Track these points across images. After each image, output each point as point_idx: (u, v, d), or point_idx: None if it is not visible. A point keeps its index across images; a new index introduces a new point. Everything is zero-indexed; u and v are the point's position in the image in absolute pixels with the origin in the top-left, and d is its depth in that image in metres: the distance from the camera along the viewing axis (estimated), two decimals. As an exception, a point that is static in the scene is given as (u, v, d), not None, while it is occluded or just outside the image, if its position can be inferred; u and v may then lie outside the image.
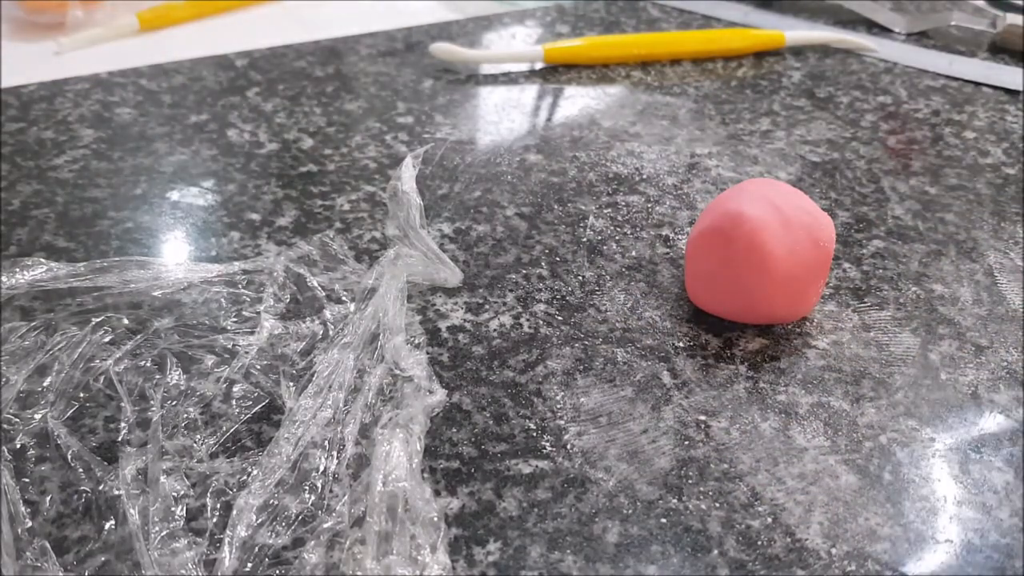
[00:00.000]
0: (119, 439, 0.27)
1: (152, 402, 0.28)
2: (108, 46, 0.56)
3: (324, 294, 0.34)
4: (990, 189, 0.43)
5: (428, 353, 0.31)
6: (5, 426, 0.27)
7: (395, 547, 0.24)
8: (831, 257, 0.32)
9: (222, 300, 0.33)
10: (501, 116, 0.49)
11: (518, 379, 0.31)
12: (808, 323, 0.34)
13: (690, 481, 0.27)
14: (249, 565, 0.24)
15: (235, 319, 0.32)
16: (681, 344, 0.32)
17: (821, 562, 0.25)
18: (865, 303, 0.35)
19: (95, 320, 0.31)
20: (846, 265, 0.37)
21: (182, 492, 0.26)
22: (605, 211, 0.40)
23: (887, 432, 0.29)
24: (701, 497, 0.27)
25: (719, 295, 0.32)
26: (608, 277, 0.36)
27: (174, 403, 0.29)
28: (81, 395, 0.29)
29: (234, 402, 0.29)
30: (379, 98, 0.50)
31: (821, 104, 0.51)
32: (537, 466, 0.27)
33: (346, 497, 0.26)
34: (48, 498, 0.26)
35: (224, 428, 0.28)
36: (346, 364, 0.29)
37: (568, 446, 0.28)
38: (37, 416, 0.28)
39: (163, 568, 0.23)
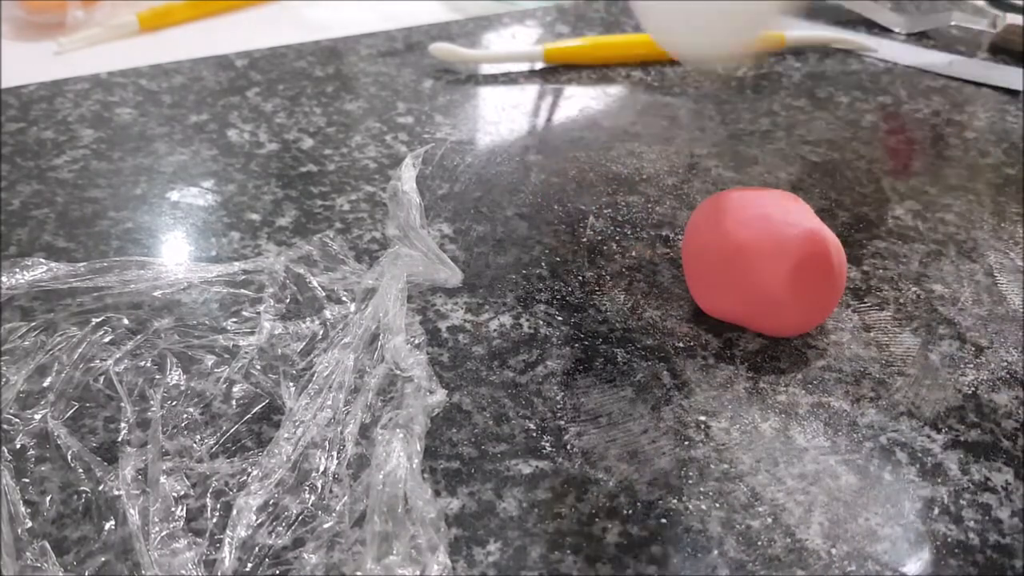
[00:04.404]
0: (119, 439, 0.27)
1: (152, 402, 0.28)
2: (108, 46, 0.56)
3: (324, 294, 0.34)
4: (990, 189, 0.43)
5: (428, 353, 0.31)
6: (5, 426, 0.27)
7: (395, 547, 0.24)
8: (844, 281, 0.32)
9: (222, 300, 0.33)
10: (501, 116, 0.49)
11: (518, 379, 0.31)
12: (808, 323, 0.34)
13: (690, 481, 0.27)
14: (249, 565, 0.24)
15: (235, 319, 0.32)
16: (681, 344, 0.32)
17: (821, 562, 0.25)
18: (865, 303, 0.35)
19: (95, 320, 0.31)
20: (846, 265, 0.37)
21: (182, 492, 0.26)
22: (605, 211, 0.40)
23: (887, 432, 0.29)
24: (701, 497, 0.27)
25: (725, 304, 0.32)
26: (608, 277, 0.36)
27: (174, 403, 0.29)
28: (81, 395, 0.29)
29: (234, 402, 0.29)
30: (379, 98, 0.50)
31: (821, 104, 0.51)
32: (537, 466, 0.27)
33: (346, 497, 0.26)
34: (48, 498, 0.26)
35: (224, 428, 0.28)
36: (346, 364, 0.29)
37: (568, 446, 0.28)
38: (37, 416, 0.28)
39: (163, 568, 0.23)
